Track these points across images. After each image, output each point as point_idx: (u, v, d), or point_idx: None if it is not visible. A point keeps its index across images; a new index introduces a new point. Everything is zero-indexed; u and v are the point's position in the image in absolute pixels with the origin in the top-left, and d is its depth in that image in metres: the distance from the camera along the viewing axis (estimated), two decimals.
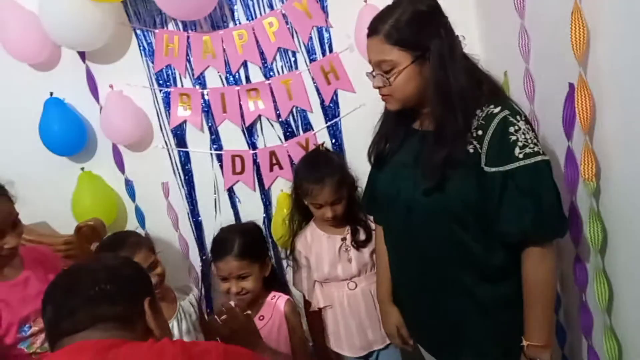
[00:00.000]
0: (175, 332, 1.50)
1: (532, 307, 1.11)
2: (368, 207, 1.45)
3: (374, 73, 1.16)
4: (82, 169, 1.99)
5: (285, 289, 1.60)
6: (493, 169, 1.07)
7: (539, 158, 1.06)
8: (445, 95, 1.09)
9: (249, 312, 1.28)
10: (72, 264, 0.99)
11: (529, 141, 1.06)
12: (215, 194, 2.01)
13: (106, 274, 0.88)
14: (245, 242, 1.46)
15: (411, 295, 1.30)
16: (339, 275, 1.60)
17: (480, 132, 1.09)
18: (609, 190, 1.06)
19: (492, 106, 1.09)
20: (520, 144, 1.05)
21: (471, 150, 1.10)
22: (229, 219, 1.98)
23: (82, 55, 1.91)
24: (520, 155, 1.05)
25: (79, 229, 1.79)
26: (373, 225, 1.60)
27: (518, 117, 1.08)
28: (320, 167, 1.60)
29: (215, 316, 1.25)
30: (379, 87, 1.16)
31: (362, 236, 1.59)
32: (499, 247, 1.14)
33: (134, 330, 0.85)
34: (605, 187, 1.07)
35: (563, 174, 1.19)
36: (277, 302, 1.51)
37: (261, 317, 1.48)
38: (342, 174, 1.58)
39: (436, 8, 1.13)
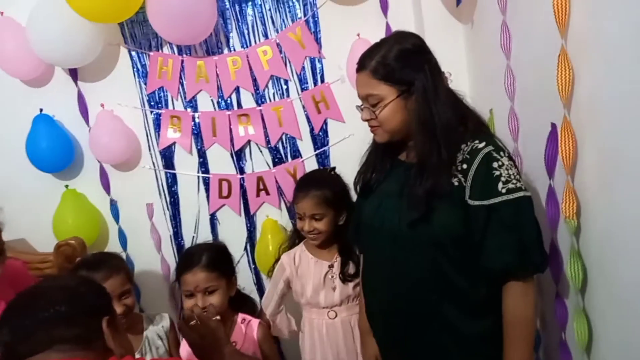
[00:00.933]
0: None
1: (513, 342, 1.11)
2: (354, 236, 1.45)
3: (362, 106, 1.20)
4: (67, 186, 1.97)
5: (254, 312, 1.56)
6: (477, 203, 1.09)
7: (521, 194, 1.08)
8: (428, 128, 1.12)
9: (218, 317, 1.25)
10: (29, 286, 0.96)
11: (512, 177, 1.09)
12: (196, 217, 2.00)
13: (62, 294, 0.87)
14: (213, 255, 1.44)
15: (390, 326, 1.27)
16: (320, 302, 1.58)
17: (465, 166, 1.11)
18: (589, 228, 1.08)
19: (477, 141, 1.12)
20: (503, 179, 1.08)
21: (456, 184, 1.11)
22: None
23: (74, 73, 1.92)
24: (503, 190, 1.07)
25: (59, 247, 1.77)
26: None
27: (502, 153, 1.11)
28: (312, 180, 1.65)
29: (184, 321, 1.23)
30: (367, 120, 1.20)
31: (351, 270, 1.58)
32: (481, 281, 1.14)
33: (93, 350, 0.84)
34: (585, 226, 1.08)
35: (544, 212, 1.21)
36: (248, 326, 1.47)
37: (234, 343, 1.41)
38: (332, 193, 1.57)
39: (421, 45, 1.18)
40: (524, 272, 1.10)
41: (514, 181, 1.08)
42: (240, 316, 1.49)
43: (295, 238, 1.71)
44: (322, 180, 1.66)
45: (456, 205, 1.11)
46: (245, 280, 1.91)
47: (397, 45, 1.15)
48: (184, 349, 1.45)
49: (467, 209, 1.10)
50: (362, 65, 1.17)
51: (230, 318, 1.47)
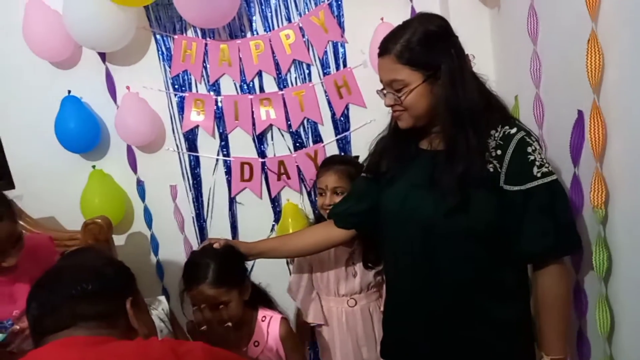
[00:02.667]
0: None
1: (553, 322, 1.12)
2: (344, 205, 1.42)
3: (384, 91, 1.18)
4: (94, 166, 2.02)
5: (272, 306, 1.47)
6: (514, 188, 1.08)
7: (554, 177, 1.09)
8: (456, 114, 1.10)
9: (230, 324, 1.21)
10: (56, 263, 1.00)
11: (544, 161, 1.09)
12: (209, 199, 2.04)
13: (88, 273, 0.90)
14: (221, 267, 1.28)
15: (418, 321, 1.24)
16: (340, 290, 1.59)
17: (499, 152, 1.10)
18: (615, 217, 1.06)
19: (507, 127, 1.12)
20: (537, 163, 1.08)
21: (491, 170, 1.10)
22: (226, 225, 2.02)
23: (102, 56, 1.96)
24: (539, 174, 1.07)
25: (86, 226, 1.82)
26: None
27: (533, 138, 1.11)
28: (337, 158, 1.71)
29: (194, 324, 1.22)
30: (391, 105, 1.18)
31: (373, 257, 1.57)
32: (513, 267, 1.15)
33: (117, 329, 0.86)
34: (612, 215, 1.07)
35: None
36: (270, 324, 1.39)
37: (256, 343, 1.37)
38: (355, 170, 1.56)
39: (446, 27, 1.15)
40: (561, 254, 1.12)
41: (546, 165, 1.09)
42: (261, 313, 1.41)
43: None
44: (346, 159, 1.72)
45: (491, 192, 1.10)
46: (275, 265, 1.91)
47: (421, 27, 1.11)
48: None
49: (503, 194, 1.09)
50: (385, 49, 1.14)
51: (249, 318, 1.39)
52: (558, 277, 1.11)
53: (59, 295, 0.86)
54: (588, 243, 1.16)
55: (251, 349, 1.37)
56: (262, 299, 1.47)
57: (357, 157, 1.78)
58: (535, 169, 1.07)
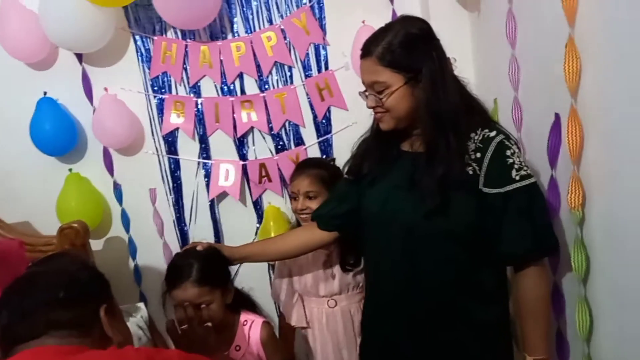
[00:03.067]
0: None
1: (535, 323, 1.13)
2: (327, 207, 1.42)
3: (366, 93, 1.18)
4: (70, 170, 1.98)
5: (255, 310, 1.46)
6: (493, 191, 1.09)
7: (532, 180, 1.10)
8: (436, 116, 1.11)
9: (210, 324, 1.21)
10: (29, 269, 0.96)
11: (523, 164, 1.11)
12: (193, 202, 2.02)
13: (62, 278, 0.87)
14: (204, 266, 1.28)
15: (399, 323, 1.24)
16: (320, 291, 1.59)
17: (478, 155, 1.11)
18: (592, 219, 1.08)
19: (486, 130, 1.13)
20: (516, 166, 1.09)
21: (470, 172, 1.11)
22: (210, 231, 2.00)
23: (79, 57, 1.92)
24: (517, 177, 1.09)
25: (62, 231, 1.77)
26: None
27: (512, 141, 1.13)
28: (310, 162, 1.69)
29: (173, 323, 1.20)
30: (372, 107, 1.18)
31: (351, 259, 1.57)
32: (493, 269, 1.16)
33: (91, 337, 0.83)
34: (589, 216, 1.09)
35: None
36: (251, 328, 1.38)
37: (237, 348, 1.36)
38: (328, 174, 1.57)
39: (428, 30, 1.15)
40: (540, 256, 1.13)
41: (525, 168, 1.10)
42: (243, 317, 1.40)
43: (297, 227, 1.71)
44: (319, 162, 1.70)
45: (471, 194, 1.11)
46: (258, 269, 1.90)
47: (403, 30, 1.12)
48: None
49: (482, 197, 1.10)
50: (367, 51, 1.14)
51: (231, 322, 1.39)
52: (538, 278, 1.13)
53: (32, 301, 0.83)
54: (565, 245, 1.17)
55: (232, 353, 1.36)
56: (245, 303, 1.46)
57: (333, 159, 1.79)
58: (514, 172, 1.09)
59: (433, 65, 1.11)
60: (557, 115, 1.13)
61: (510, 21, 1.35)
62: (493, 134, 1.11)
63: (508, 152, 1.10)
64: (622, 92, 0.92)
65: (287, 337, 1.65)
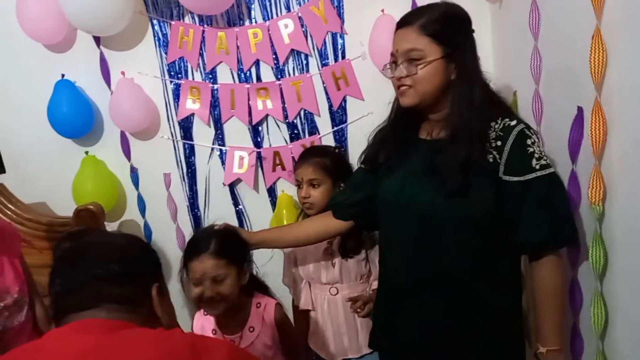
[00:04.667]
0: None
1: (550, 313, 1.13)
2: (343, 196, 1.43)
3: (398, 62, 1.16)
4: (87, 152, 1.99)
5: (268, 292, 1.47)
6: (513, 179, 1.10)
7: (552, 170, 1.10)
8: (465, 98, 1.12)
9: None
10: (82, 238, 0.93)
11: (543, 154, 1.11)
12: (206, 189, 2.02)
13: (114, 252, 0.86)
14: (222, 240, 1.32)
15: (412, 310, 1.24)
16: (322, 278, 1.60)
17: (499, 143, 1.11)
18: (612, 214, 1.07)
19: (507, 119, 1.13)
20: (536, 155, 1.10)
21: (490, 160, 1.12)
22: (225, 216, 1.98)
23: (97, 40, 1.92)
24: (537, 167, 1.09)
25: (78, 212, 1.80)
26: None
27: (532, 131, 1.13)
28: (314, 150, 1.69)
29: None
30: (400, 77, 1.15)
31: (351, 246, 1.57)
32: (509, 257, 1.17)
33: (140, 315, 0.82)
34: (609, 212, 1.07)
35: None
36: (265, 309, 1.40)
37: (251, 329, 1.38)
38: (331, 161, 1.58)
39: (468, 17, 1.19)
40: (557, 246, 1.13)
41: (545, 158, 1.10)
42: (255, 300, 1.42)
43: (303, 217, 1.69)
44: (323, 150, 1.69)
45: (490, 181, 1.11)
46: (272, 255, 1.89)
47: (448, 9, 1.16)
48: (198, 323, 1.44)
49: (501, 185, 1.11)
50: (408, 21, 1.15)
51: (245, 304, 1.40)
52: (554, 269, 1.13)
53: (84, 274, 0.82)
54: (584, 239, 1.16)
55: (246, 334, 1.38)
56: (257, 286, 1.48)
57: (338, 147, 1.80)
58: (534, 161, 1.09)
59: (470, 49, 1.15)
60: (579, 109, 1.11)
61: (534, 12, 1.33)
62: (514, 123, 1.12)
63: (529, 141, 1.10)
64: None
65: (300, 321, 1.66)
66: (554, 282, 1.13)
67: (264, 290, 1.49)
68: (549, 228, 1.09)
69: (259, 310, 1.41)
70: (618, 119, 1.00)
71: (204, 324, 1.43)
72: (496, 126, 1.13)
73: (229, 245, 1.33)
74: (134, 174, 2.01)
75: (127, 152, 2.00)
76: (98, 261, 0.84)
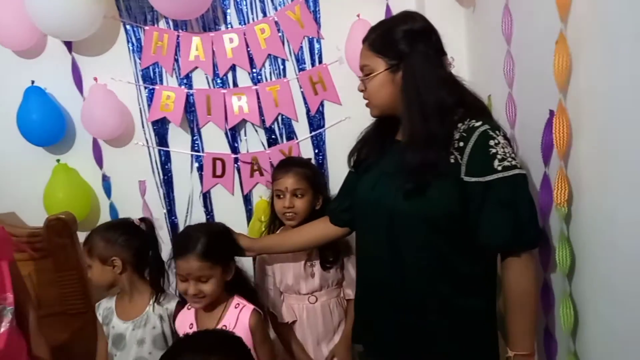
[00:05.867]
0: (127, 335, 1.43)
1: (518, 317, 1.13)
2: (337, 209, 1.45)
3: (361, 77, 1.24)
4: (58, 160, 1.95)
5: (252, 296, 1.47)
6: (473, 180, 1.10)
7: (516, 171, 1.09)
8: (415, 104, 1.13)
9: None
10: None
11: (507, 155, 1.10)
12: (189, 195, 2.00)
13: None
14: (210, 242, 1.34)
15: (381, 309, 1.26)
16: (301, 290, 1.58)
17: (461, 144, 1.11)
18: (579, 216, 1.08)
19: (473, 120, 1.13)
20: (499, 156, 1.09)
21: (452, 161, 1.12)
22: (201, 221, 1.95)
23: (69, 45, 1.88)
24: (499, 168, 1.08)
25: (49, 222, 1.75)
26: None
27: (497, 132, 1.12)
28: (294, 160, 1.69)
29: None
30: (361, 91, 1.24)
31: (330, 257, 1.57)
32: (476, 259, 1.16)
33: None
34: (577, 213, 1.08)
35: (538, 199, 1.21)
36: (241, 312, 1.39)
37: (224, 327, 1.36)
38: (313, 173, 1.60)
39: (424, 27, 1.18)
40: (521, 249, 1.12)
41: (509, 159, 1.09)
42: (236, 300, 1.42)
43: (272, 228, 1.68)
44: (303, 161, 1.70)
45: (452, 182, 1.11)
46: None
47: (397, 22, 1.19)
48: (180, 316, 1.44)
49: (463, 186, 1.10)
50: (365, 37, 1.22)
51: (223, 301, 1.41)
52: (522, 271, 1.12)
53: None
54: (553, 241, 1.17)
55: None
56: (243, 287, 1.46)
57: (309, 159, 1.83)
58: (496, 162, 1.08)
59: (419, 58, 1.15)
60: (551, 112, 1.12)
61: (506, 17, 1.34)
62: (478, 124, 1.12)
63: (491, 142, 1.09)
64: (612, 90, 0.91)
65: (286, 333, 1.62)
66: (522, 286, 1.12)
67: (252, 296, 1.47)
68: (511, 229, 1.08)
69: (236, 310, 1.40)
70: (585, 122, 1.02)
71: (185, 317, 1.43)
72: (462, 127, 1.13)
73: (216, 247, 1.36)
74: (106, 182, 1.97)
75: (99, 160, 1.96)
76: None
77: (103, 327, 1.49)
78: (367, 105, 1.24)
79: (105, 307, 1.51)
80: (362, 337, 1.37)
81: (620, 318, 0.96)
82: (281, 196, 1.56)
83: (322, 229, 1.48)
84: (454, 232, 1.13)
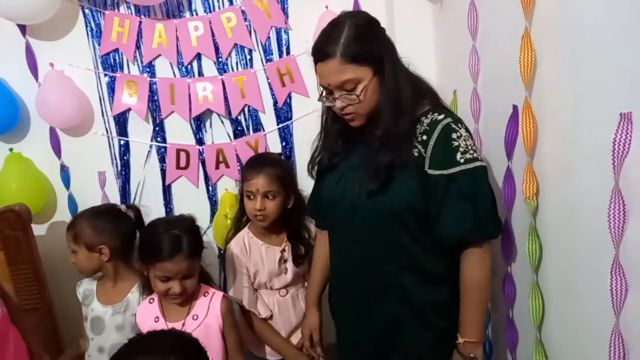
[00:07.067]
0: (106, 320, 1.42)
1: (470, 306, 1.15)
2: (312, 211, 1.45)
3: (335, 96, 1.15)
4: (11, 150, 1.85)
5: (207, 279, 1.49)
6: (437, 172, 1.11)
7: (477, 164, 1.11)
8: (397, 101, 1.12)
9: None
10: None
11: (469, 147, 1.12)
12: (138, 186, 1.94)
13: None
14: (192, 239, 1.35)
15: (348, 302, 1.28)
16: (274, 285, 1.58)
17: (425, 137, 1.13)
18: (545, 208, 1.11)
19: (436, 114, 1.15)
20: (461, 149, 1.11)
21: (416, 154, 1.13)
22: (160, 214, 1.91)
23: (22, 28, 1.79)
24: (462, 160, 1.10)
25: (1, 214, 1.67)
26: (314, 234, 1.60)
27: (459, 125, 1.14)
28: (264, 159, 1.61)
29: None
30: (343, 108, 1.14)
31: (301, 253, 1.58)
32: (438, 250, 1.17)
33: None
34: (542, 206, 1.11)
35: (501, 193, 1.23)
36: (212, 299, 1.41)
37: (195, 317, 1.37)
38: (284, 172, 1.55)
39: (373, 20, 1.17)
40: (480, 239, 1.14)
41: (471, 151, 1.11)
42: (203, 288, 1.42)
43: (239, 224, 1.64)
44: (275, 160, 1.62)
45: (415, 175, 1.13)
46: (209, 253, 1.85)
47: (352, 24, 1.11)
48: (141, 311, 1.40)
49: (426, 179, 1.12)
50: (325, 53, 1.10)
51: (192, 292, 1.40)
52: (478, 262, 1.14)
53: None
54: (520, 234, 1.20)
55: (189, 321, 1.36)
56: (203, 274, 1.47)
57: (281, 153, 1.78)
58: (458, 155, 1.10)
59: (389, 52, 1.14)
60: (515, 107, 1.15)
61: (472, 12, 1.36)
62: (441, 117, 1.13)
63: (454, 135, 1.11)
64: (575, 87, 0.94)
65: (262, 330, 1.59)
66: (477, 276, 1.14)
67: (207, 279, 1.48)
68: (471, 221, 1.10)
69: (206, 299, 1.40)
70: (550, 116, 1.04)
71: (147, 310, 1.39)
72: (425, 120, 1.14)
73: (197, 241, 1.37)
74: (64, 172, 1.89)
75: (56, 149, 1.88)
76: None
77: (82, 307, 1.48)
78: (351, 118, 1.16)
79: (86, 287, 1.50)
80: (336, 323, 1.37)
81: (582, 308, 1.00)
82: (252, 197, 1.52)
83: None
84: (416, 223, 1.15)
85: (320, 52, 1.12)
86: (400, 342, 1.21)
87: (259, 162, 1.57)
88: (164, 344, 0.96)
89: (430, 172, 1.11)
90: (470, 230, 1.11)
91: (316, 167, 1.32)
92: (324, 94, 1.18)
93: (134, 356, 0.92)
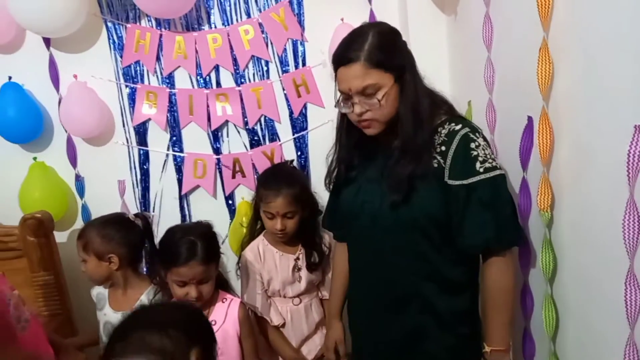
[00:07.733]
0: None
1: (496, 314, 1.15)
2: (329, 223, 1.46)
3: (354, 101, 1.15)
4: (35, 158, 1.91)
5: (226, 286, 1.51)
6: (457, 183, 1.12)
7: (497, 172, 1.12)
8: (416, 111, 1.14)
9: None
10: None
11: (488, 156, 1.13)
12: (156, 195, 1.97)
13: (166, 313, 0.96)
14: (208, 245, 1.38)
15: (369, 312, 1.28)
16: (288, 293, 1.60)
17: (443, 148, 1.14)
18: (560, 220, 1.10)
19: (453, 124, 1.16)
20: (480, 158, 1.11)
21: (435, 165, 1.14)
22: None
23: (47, 41, 1.85)
24: (481, 170, 1.11)
25: (25, 221, 1.71)
26: (328, 242, 1.61)
27: (477, 134, 1.15)
28: (281, 178, 1.59)
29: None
30: (360, 114, 1.15)
31: (315, 259, 1.60)
32: (458, 259, 1.18)
33: None
34: (557, 218, 1.11)
35: (517, 204, 1.23)
36: (230, 305, 1.43)
37: (213, 322, 1.35)
38: (301, 190, 1.57)
39: (396, 30, 1.19)
40: (502, 247, 1.14)
41: (490, 160, 1.12)
42: (221, 295, 1.45)
43: (254, 231, 1.68)
44: (290, 177, 1.61)
45: (435, 186, 1.13)
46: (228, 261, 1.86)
47: (377, 32, 1.14)
48: None
49: (447, 189, 1.13)
50: (349, 58, 1.12)
51: (210, 298, 1.43)
52: (502, 270, 1.14)
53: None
54: (534, 245, 1.20)
55: None
56: (221, 280, 1.50)
57: (292, 160, 1.81)
58: (477, 164, 1.11)
59: (410, 62, 1.16)
60: (529, 118, 1.15)
61: (487, 24, 1.37)
62: (458, 127, 1.14)
63: (472, 145, 1.12)
64: (592, 98, 0.94)
65: (273, 337, 1.61)
66: (501, 284, 1.14)
67: (226, 285, 1.51)
68: (493, 229, 1.11)
69: (224, 305, 1.43)
70: (565, 128, 1.05)
71: None
72: (442, 131, 1.15)
73: (214, 247, 1.40)
74: (79, 182, 1.94)
75: (72, 159, 1.93)
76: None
77: (97, 311, 1.52)
78: (368, 125, 1.17)
79: (99, 291, 1.54)
80: (355, 333, 1.37)
81: (598, 321, 0.99)
82: (271, 217, 1.56)
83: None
84: (437, 234, 1.15)
85: (344, 57, 1.14)
86: (423, 350, 1.21)
87: (276, 180, 1.57)
88: (166, 315, 0.96)
89: (450, 182, 1.12)
90: (493, 238, 1.11)
91: (333, 181, 1.33)
92: (341, 99, 1.19)
93: (133, 328, 0.91)
